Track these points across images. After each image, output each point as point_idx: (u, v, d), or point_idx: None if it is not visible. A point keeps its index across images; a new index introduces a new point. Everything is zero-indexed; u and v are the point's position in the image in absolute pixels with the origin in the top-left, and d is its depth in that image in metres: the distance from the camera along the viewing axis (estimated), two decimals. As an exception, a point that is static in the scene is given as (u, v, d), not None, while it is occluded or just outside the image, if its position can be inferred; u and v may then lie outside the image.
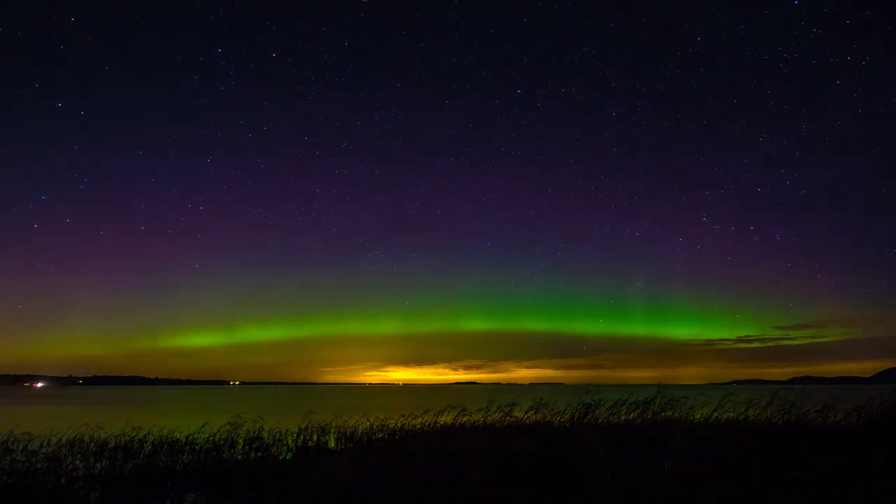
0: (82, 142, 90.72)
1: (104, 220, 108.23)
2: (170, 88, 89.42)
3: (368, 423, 12.28)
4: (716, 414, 9.76)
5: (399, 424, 11.92)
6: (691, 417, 9.68)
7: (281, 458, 9.67)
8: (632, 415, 10.17)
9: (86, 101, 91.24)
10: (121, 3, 79.15)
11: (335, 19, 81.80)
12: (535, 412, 11.04)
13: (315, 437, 11.30)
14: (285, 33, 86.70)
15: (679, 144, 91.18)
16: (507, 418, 10.58)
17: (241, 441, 10.42)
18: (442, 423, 11.28)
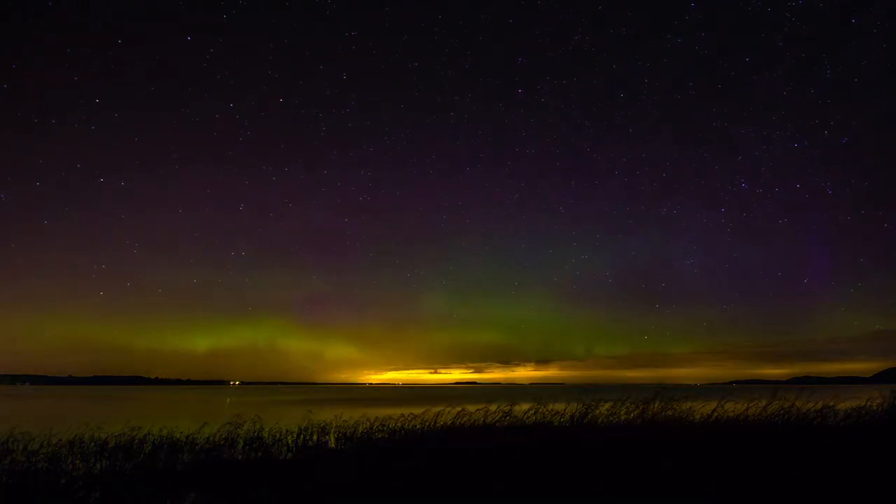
0: (127, 210, 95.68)
1: (160, 283, 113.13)
2: (193, 148, 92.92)
3: (368, 423, 12.26)
4: (716, 414, 9.75)
5: (399, 424, 11.91)
6: (691, 417, 9.67)
7: (281, 458, 9.67)
8: (632, 415, 10.16)
9: (122, 173, 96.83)
10: (136, 79, 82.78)
11: (329, 54, 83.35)
12: (535, 412, 11.03)
13: (315, 437, 11.28)
14: (287, 78, 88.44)
15: (696, 113, 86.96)
16: (507, 418, 10.58)
17: (241, 441, 10.41)
18: (442, 423, 11.27)
